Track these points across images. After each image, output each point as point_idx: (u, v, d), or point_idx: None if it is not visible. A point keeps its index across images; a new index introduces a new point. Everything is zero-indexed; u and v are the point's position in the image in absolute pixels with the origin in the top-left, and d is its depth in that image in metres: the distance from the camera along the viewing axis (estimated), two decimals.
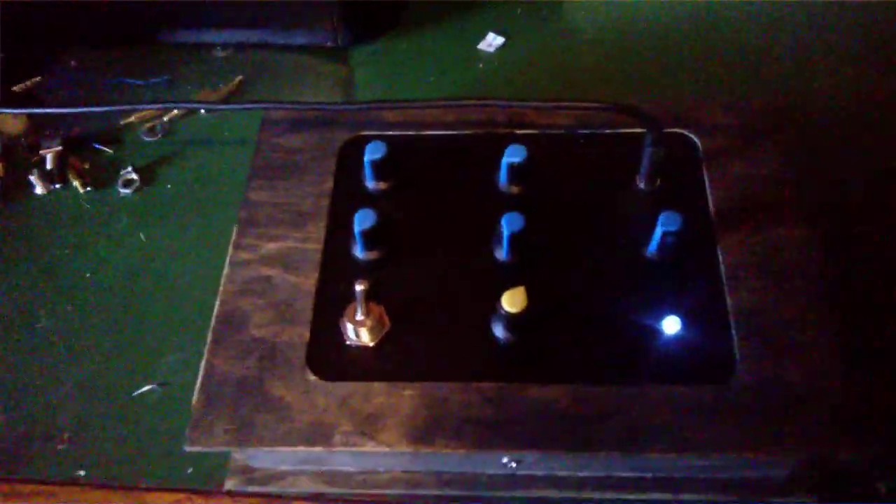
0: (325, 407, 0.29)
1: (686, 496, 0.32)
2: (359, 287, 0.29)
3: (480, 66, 0.49)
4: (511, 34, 0.50)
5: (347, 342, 0.30)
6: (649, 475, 0.32)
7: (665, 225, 0.30)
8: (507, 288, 0.30)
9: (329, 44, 0.50)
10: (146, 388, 0.36)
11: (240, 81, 0.49)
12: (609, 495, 0.32)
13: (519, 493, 0.32)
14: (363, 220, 0.31)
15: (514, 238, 0.31)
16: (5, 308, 0.40)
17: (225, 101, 0.48)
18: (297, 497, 0.33)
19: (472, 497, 0.33)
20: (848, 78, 0.46)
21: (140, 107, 0.46)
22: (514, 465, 0.31)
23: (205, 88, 0.48)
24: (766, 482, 0.32)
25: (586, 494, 0.32)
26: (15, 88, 0.48)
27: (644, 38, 0.50)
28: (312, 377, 0.30)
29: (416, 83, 0.49)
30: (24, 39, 0.50)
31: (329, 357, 0.30)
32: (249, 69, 0.50)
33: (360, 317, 0.30)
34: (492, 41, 0.50)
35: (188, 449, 0.29)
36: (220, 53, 0.51)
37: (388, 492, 0.33)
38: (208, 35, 0.51)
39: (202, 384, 0.30)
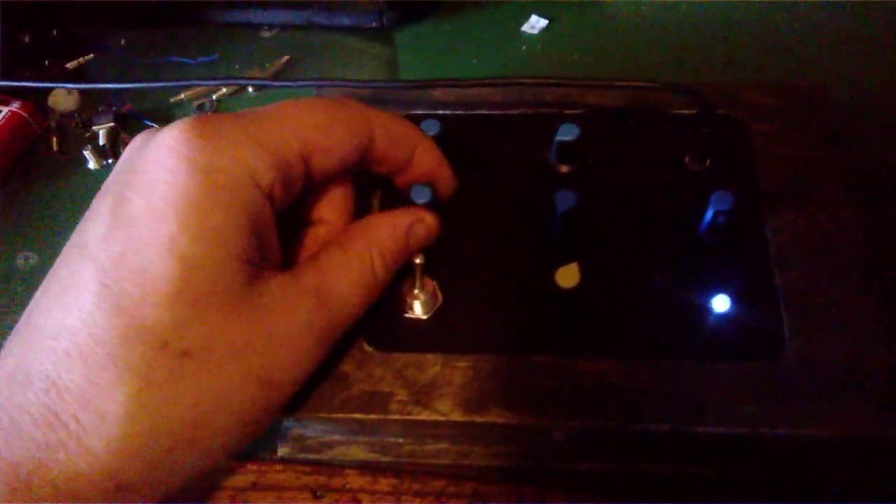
0: (381, 376, 0.30)
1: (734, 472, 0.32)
2: (417, 261, 0.30)
3: (524, 48, 0.50)
4: (555, 17, 0.50)
5: (403, 314, 0.31)
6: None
7: (717, 204, 0.31)
8: (559, 264, 0.31)
9: (374, 25, 0.51)
10: None
11: (286, 61, 0.50)
12: (658, 468, 0.32)
13: (566, 466, 0.33)
14: (419, 195, 0.32)
15: (566, 215, 0.32)
16: None
17: (273, 79, 0.48)
18: (348, 465, 0.34)
19: (519, 468, 0.33)
20: (892, 59, 0.46)
21: (189, 83, 0.47)
22: (562, 437, 0.32)
23: (252, 68, 0.49)
24: None
25: (636, 467, 0.33)
26: (68, 66, 0.49)
27: (688, 20, 0.50)
28: (369, 348, 0.30)
29: (460, 65, 0.49)
30: (76, 18, 0.51)
31: (384, 329, 0.31)
32: (295, 49, 0.50)
33: (415, 290, 0.31)
34: (535, 23, 0.50)
35: None
36: (266, 34, 0.51)
37: (436, 462, 0.34)
38: (254, 16, 0.51)
39: None
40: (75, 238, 0.26)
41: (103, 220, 0.25)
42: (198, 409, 0.24)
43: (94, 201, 0.26)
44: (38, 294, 0.26)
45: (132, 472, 0.23)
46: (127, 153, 0.27)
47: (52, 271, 0.26)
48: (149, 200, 0.24)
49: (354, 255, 0.29)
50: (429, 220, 0.31)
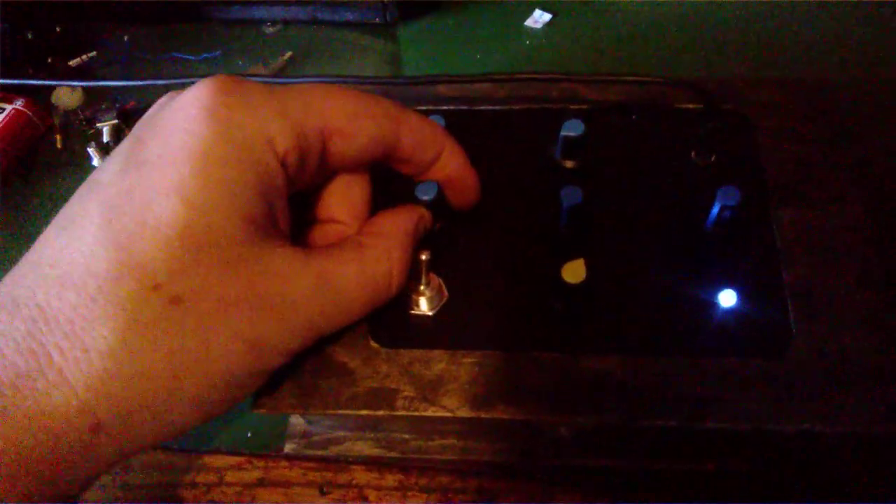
0: (388, 373, 0.30)
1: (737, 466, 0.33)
2: (422, 257, 0.30)
3: (527, 42, 0.50)
4: (558, 11, 0.50)
5: (409, 311, 0.31)
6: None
7: (723, 199, 0.31)
8: (565, 260, 0.31)
9: (377, 20, 0.51)
10: None
11: (289, 57, 0.50)
12: (662, 464, 0.32)
13: (572, 462, 0.33)
14: (424, 192, 0.32)
15: (572, 211, 0.31)
16: None
17: (276, 76, 0.48)
18: (355, 461, 0.34)
19: (525, 464, 0.33)
20: None
21: (193, 80, 0.47)
22: (568, 433, 0.32)
23: (255, 64, 0.49)
24: None
25: (641, 463, 0.33)
26: (71, 63, 0.49)
27: (693, 15, 0.50)
28: (375, 344, 0.30)
29: (463, 60, 0.49)
30: (78, 15, 0.51)
31: (390, 325, 0.31)
32: (298, 45, 0.50)
33: (420, 287, 0.31)
34: (538, 18, 0.50)
35: (255, 412, 0.29)
36: (269, 30, 0.51)
37: (442, 457, 0.34)
38: (258, 12, 0.51)
39: None
40: (92, 176, 0.26)
41: (119, 159, 0.25)
42: (181, 358, 0.24)
43: (118, 147, 0.27)
44: (47, 228, 0.26)
45: (108, 414, 0.23)
46: (154, 108, 0.28)
47: (64, 207, 0.26)
48: (165, 145, 0.25)
49: (371, 256, 0.29)
50: (427, 217, 0.32)
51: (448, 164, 0.31)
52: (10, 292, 0.24)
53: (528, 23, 0.50)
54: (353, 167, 0.30)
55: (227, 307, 0.24)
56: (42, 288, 0.23)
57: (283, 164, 0.26)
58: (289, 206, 0.28)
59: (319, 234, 0.30)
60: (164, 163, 0.24)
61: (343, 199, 0.31)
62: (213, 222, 0.24)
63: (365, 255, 0.29)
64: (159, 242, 0.23)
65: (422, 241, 0.31)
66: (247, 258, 0.25)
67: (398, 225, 0.30)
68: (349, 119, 0.28)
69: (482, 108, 0.37)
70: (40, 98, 0.47)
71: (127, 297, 0.23)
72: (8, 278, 0.24)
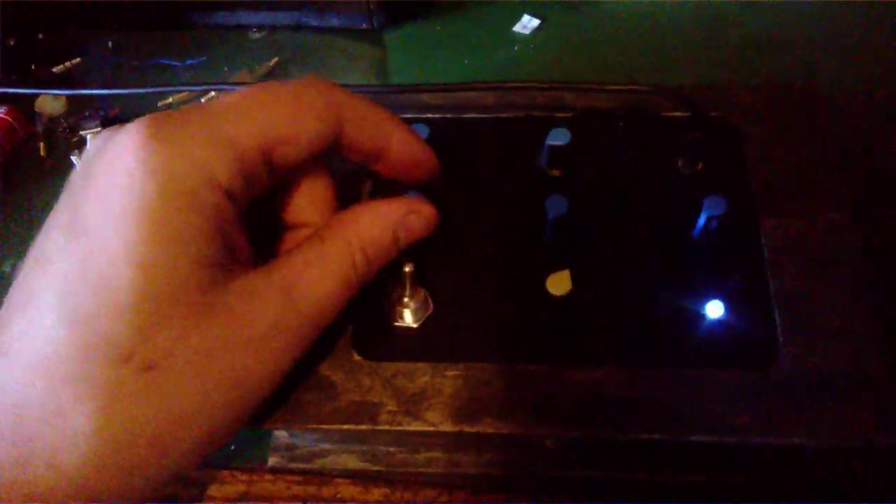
0: (371, 386, 0.29)
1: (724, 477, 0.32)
2: (406, 269, 0.29)
3: (516, 48, 0.49)
4: (547, 16, 0.50)
5: (393, 323, 0.31)
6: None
7: (710, 209, 0.31)
8: (550, 271, 0.30)
9: (364, 26, 0.50)
10: None
11: (275, 63, 0.49)
12: (649, 476, 0.32)
13: (559, 474, 0.33)
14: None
15: (557, 221, 0.31)
16: None
17: (261, 82, 0.48)
18: (339, 475, 0.34)
19: (511, 477, 0.33)
20: (888, 60, 0.46)
21: (177, 88, 0.46)
22: (553, 445, 0.32)
23: (241, 70, 0.49)
24: None
25: (627, 475, 0.32)
26: (55, 70, 0.49)
27: (681, 21, 0.49)
28: (358, 357, 0.30)
29: (451, 65, 0.49)
30: (62, 22, 0.50)
31: (374, 338, 0.30)
32: (284, 51, 0.50)
33: (405, 299, 0.30)
34: (527, 23, 0.50)
35: None
36: (255, 35, 0.51)
37: (428, 471, 0.33)
38: (243, 17, 0.51)
39: None
40: (35, 250, 0.25)
41: (61, 229, 0.24)
42: (166, 420, 0.24)
43: (55, 208, 0.26)
44: (1, 310, 0.25)
45: (104, 486, 0.23)
46: (85, 156, 0.26)
47: (14, 284, 0.25)
48: (105, 208, 0.24)
49: (333, 249, 0.27)
50: (426, 211, 0.30)
51: (402, 150, 0.30)
52: None
53: (517, 28, 0.50)
54: (304, 165, 0.29)
55: (201, 360, 0.24)
56: (14, 377, 0.23)
57: (231, 197, 0.25)
58: (244, 227, 0.27)
59: (288, 240, 0.30)
60: (108, 228, 0.23)
61: (305, 199, 0.30)
62: (170, 280, 0.24)
63: (325, 250, 0.27)
64: (120, 313, 0.23)
65: (403, 253, 0.30)
66: (211, 304, 0.24)
67: (367, 210, 0.29)
68: (288, 121, 0.27)
69: (467, 116, 0.37)
70: (23, 105, 0.46)
71: (101, 375, 0.23)
72: None
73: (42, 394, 0.23)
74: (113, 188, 0.24)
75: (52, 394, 0.23)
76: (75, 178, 0.26)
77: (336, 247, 0.28)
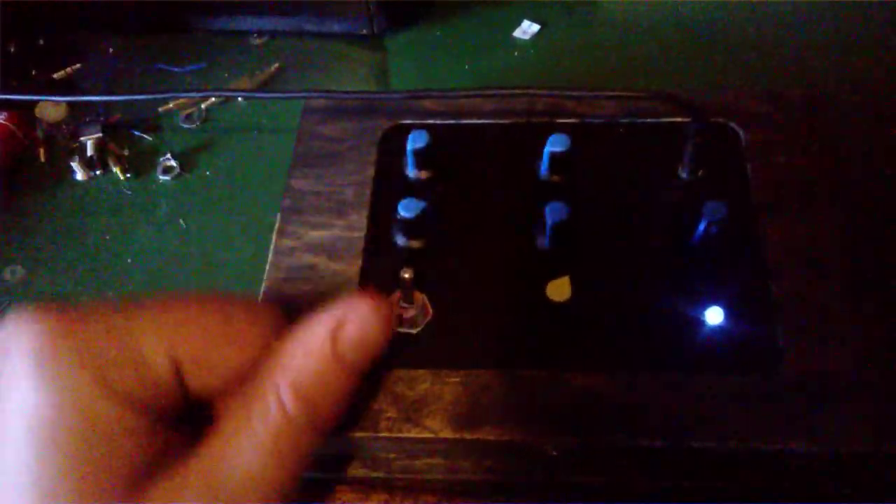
0: (371, 393, 0.29)
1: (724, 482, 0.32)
2: (405, 275, 0.29)
3: (515, 53, 0.49)
4: (547, 22, 0.50)
5: (393, 329, 0.30)
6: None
7: (710, 215, 0.30)
8: (550, 277, 0.30)
9: (364, 31, 0.50)
10: None
11: (276, 69, 0.49)
12: (652, 482, 0.32)
13: (560, 480, 0.33)
14: (408, 208, 0.31)
15: (557, 227, 0.31)
16: (46, 293, 0.40)
17: (262, 88, 0.48)
18: (339, 481, 0.33)
19: (512, 483, 0.33)
20: (887, 64, 0.46)
21: (178, 94, 0.46)
22: (555, 452, 0.32)
23: (242, 76, 0.49)
24: None
25: (628, 481, 0.32)
26: (55, 75, 0.49)
27: (681, 26, 0.49)
28: None
29: (451, 71, 0.49)
30: (62, 27, 0.50)
31: None
32: (285, 57, 0.50)
33: (404, 305, 0.30)
34: (527, 29, 0.50)
35: None
36: (255, 41, 0.51)
37: (428, 477, 0.33)
38: (244, 22, 0.51)
39: None
40: None
41: None
42: None
43: None
44: None
45: None
46: None
47: None
48: (2, 434, 0.21)
49: (255, 404, 0.23)
50: (363, 310, 0.25)
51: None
52: None
53: (517, 34, 0.50)
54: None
55: None
56: None
57: (139, 411, 0.22)
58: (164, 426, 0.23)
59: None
60: (5, 455, 0.21)
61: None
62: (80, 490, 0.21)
63: (246, 409, 0.23)
64: None
65: (401, 260, 0.29)
66: None
67: (289, 339, 0.25)
68: (215, 346, 0.24)
69: (468, 122, 0.37)
70: (24, 111, 0.46)
71: None
72: None
73: None
74: (8, 411, 0.22)
75: None
76: None
77: (259, 400, 0.23)
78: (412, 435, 0.28)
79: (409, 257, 0.32)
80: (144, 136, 0.46)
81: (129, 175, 0.44)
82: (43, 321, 0.22)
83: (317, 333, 0.24)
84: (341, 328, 0.25)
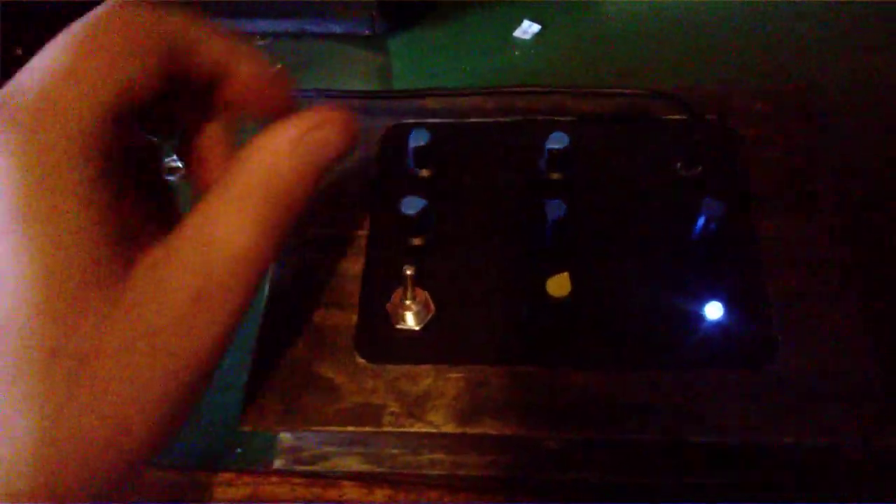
0: (374, 388, 0.30)
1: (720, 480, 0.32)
2: (408, 272, 0.30)
3: (516, 53, 0.50)
4: (547, 22, 0.50)
5: (395, 326, 0.31)
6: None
7: (708, 211, 0.31)
8: (550, 274, 0.31)
9: (366, 32, 0.51)
10: None
11: (279, 70, 0.49)
12: (650, 478, 0.32)
13: (562, 475, 0.33)
14: (410, 206, 0.32)
15: (556, 225, 0.32)
16: None
17: None
18: (344, 476, 0.34)
19: (514, 478, 0.33)
20: (883, 62, 0.46)
21: None
22: (555, 446, 0.32)
23: None
24: None
25: (629, 476, 0.33)
26: None
27: (681, 25, 0.50)
28: (360, 360, 0.30)
29: (452, 71, 0.49)
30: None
31: (376, 340, 0.31)
32: (288, 58, 0.50)
33: (406, 301, 0.31)
34: (527, 28, 0.50)
35: (242, 429, 0.29)
36: (259, 43, 0.51)
37: (431, 472, 0.34)
38: (247, 25, 0.51)
39: (253, 366, 0.31)
40: None
41: None
42: (110, 412, 0.22)
43: None
44: None
45: (55, 490, 0.21)
46: None
47: None
48: None
49: (241, 190, 0.24)
50: (338, 118, 0.26)
51: (247, 75, 0.26)
52: None
53: (517, 34, 0.50)
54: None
55: (129, 348, 0.22)
56: None
57: (105, 158, 0.22)
58: (140, 196, 0.24)
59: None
60: None
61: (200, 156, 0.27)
62: (71, 269, 0.21)
63: (233, 194, 0.24)
64: (30, 303, 0.21)
65: (404, 257, 0.30)
66: (125, 283, 0.22)
67: (260, 140, 0.25)
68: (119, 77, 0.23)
69: (469, 120, 0.37)
70: None
71: (32, 377, 0.21)
72: None
73: None
74: None
75: None
76: None
77: (243, 187, 0.24)
78: (415, 430, 0.29)
79: (410, 254, 0.33)
80: (150, 137, 0.46)
81: None
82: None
83: (292, 132, 0.25)
84: (315, 132, 0.25)
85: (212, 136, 0.27)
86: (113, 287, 0.22)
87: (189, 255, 0.23)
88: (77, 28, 0.23)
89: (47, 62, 0.23)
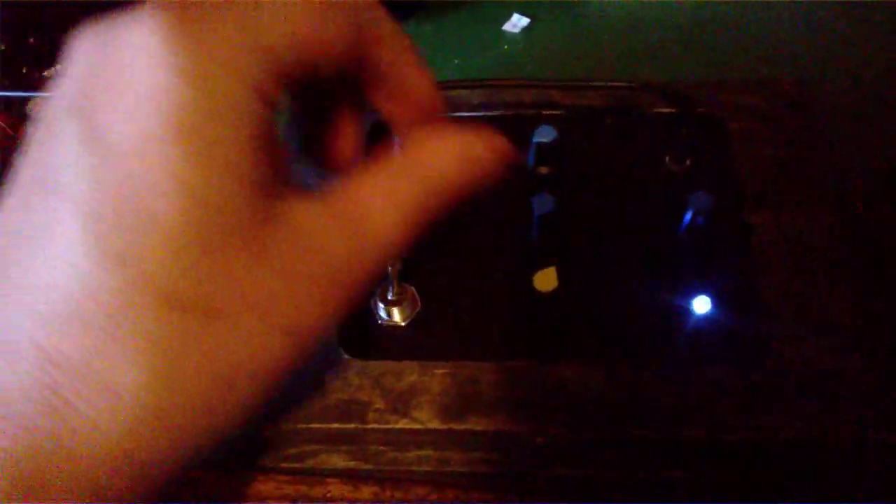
0: (359, 385, 0.29)
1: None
2: (391, 267, 0.29)
3: (505, 47, 0.49)
4: (536, 15, 0.50)
5: (379, 322, 0.31)
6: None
7: (696, 205, 0.31)
8: (537, 268, 0.31)
9: None
10: None
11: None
12: (640, 473, 0.32)
13: (548, 472, 0.33)
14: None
15: (544, 219, 0.31)
16: None
17: None
18: (329, 474, 0.34)
19: (501, 474, 0.33)
20: (874, 56, 0.46)
21: None
22: (543, 443, 0.32)
23: None
24: None
25: (617, 474, 0.32)
26: (46, 73, 0.49)
27: (670, 19, 0.49)
28: (346, 356, 0.30)
29: (441, 65, 0.49)
30: (53, 26, 0.50)
31: (362, 336, 0.31)
32: None
33: (391, 297, 0.30)
34: (517, 22, 0.50)
35: None
36: None
37: (418, 469, 0.33)
38: None
39: None
40: (34, 172, 0.21)
41: (73, 148, 0.20)
42: (219, 374, 0.20)
43: (48, 122, 0.21)
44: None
45: (150, 451, 0.20)
46: (80, 57, 0.21)
47: (7, 215, 0.21)
48: (134, 123, 0.20)
49: (400, 180, 0.24)
50: (500, 146, 0.25)
51: (416, 85, 0.25)
52: None
53: (507, 27, 0.50)
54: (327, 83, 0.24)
55: (257, 301, 0.21)
56: (39, 327, 0.20)
57: (273, 109, 0.22)
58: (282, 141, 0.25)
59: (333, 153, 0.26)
60: (143, 148, 0.20)
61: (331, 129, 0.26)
62: (223, 210, 0.20)
63: (392, 181, 0.24)
64: (168, 250, 0.20)
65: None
66: (267, 239, 0.21)
67: (430, 141, 0.25)
68: (329, 28, 0.22)
69: (456, 114, 0.37)
70: (15, 109, 0.46)
71: (148, 323, 0.20)
72: None
73: (79, 347, 0.19)
74: (137, 97, 0.20)
75: (91, 346, 0.20)
76: (72, 86, 0.21)
77: (403, 178, 0.24)
78: (400, 426, 0.29)
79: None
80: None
81: None
82: (158, 13, 0.20)
83: (463, 146, 0.24)
84: (481, 150, 0.24)
85: (348, 120, 0.26)
86: (255, 241, 0.21)
87: (334, 234, 0.22)
88: None
89: None
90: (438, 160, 0.24)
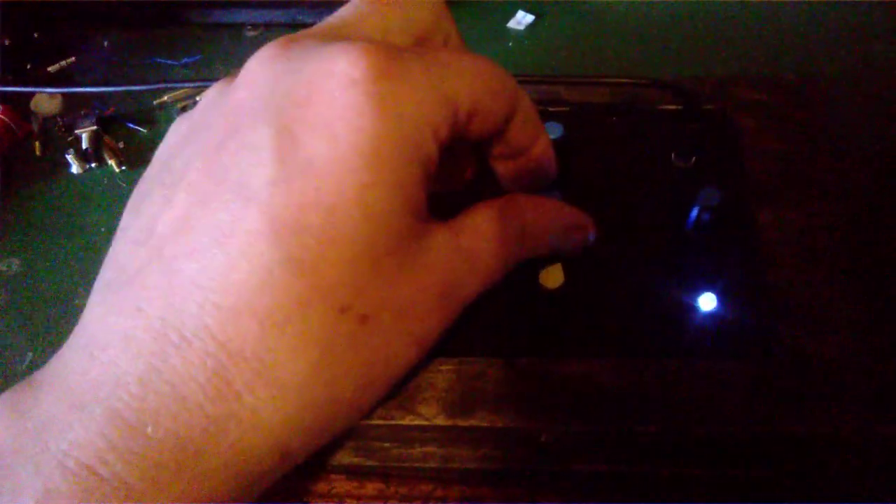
0: None
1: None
2: None
3: (510, 44, 0.49)
4: (541, 12, 0.50)
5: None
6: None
7: (703, 201, 0.30)
8: (543, 265, 0.30)
9: None
10: None
11: None
12: (647, 468, 0.32)
13: (555, 468, 0.33)
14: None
15: None
16: (43, 286, 0.40)
17: None
18: (334, 470, 0.33)
19: (508, 470, 0.33)
20: (882, 52, 0.46)
21: (173, 86, 0.46)
22: (547, 439, 0.32)
23: (236, 68, 0.49)
24: None
25: (623, 468, 0.32)
26: (50, 69, 0.49)
27: (676, 15, 0.49)
28: None
29: None
30: (57, 20, 0.50)
31: None
32: None
33: None
34: (521, 19, 0.50)
35: None
36: (250, 33, 0.51)
37: (423, 465, 0.33)
38: (239, 15, 0.51)
39: None
40: (221, 172, 0.22)
41: (266, 158, 0.22)
42: (368, 376, 0.23)
43: (238, 128, 0.23)
44: (164, 230, 0.22)
45: (299, 442, 0.22)
46: (266, 73, 0.23)
47: (191, 208, 0.22)
48: (332, 145, 0.21)
49: (508, 229, 0.27)
50: (590, 231, 0.30)
51: (540, 154, 0.29)
52: (165, 318, 0.21)
53: (512, 24, 0.50)
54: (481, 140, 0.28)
55: (403, 312, 0.24)
56: (213, 318, 0.21)
57: (440, 147, 0.25)
58: None
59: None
60: (337, 169, 0.21)
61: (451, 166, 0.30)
62: (391, 230, 0.23)
63: (502, 228, 0.27)
64: (345, 262, 0.22)
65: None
66: (415, 257, 0.24)
67: (542, 203, 0.29)
68: (492, 98, 0.26)
69: None
70: (19, 105, 0.46)
71: (317, 326, 0.21)
72: (149, 296, 0.21)
73: (252, 341, 0.21)
74: (337, 121, 0.22)
75: (264, 342, 0.21)
76: (265, 97, 0.23)
77: (511, 228, 0.27)
78: (406, 422, 0.29)
79: None
80: (140, 128, 0.46)
81: (124, 168, 0.44)
82: (366, 53, 0.22)
83: (565, 219, 0.29)
84: (575, 228, 0.30)
85: (466, 151, 0.30)
86: (404, 259, 0.23)
87: (458, 260, 0.26)
88: (478, 56, 0.26)
89: (451, 58, 0.25)
90: (542, 231, 0.29)
